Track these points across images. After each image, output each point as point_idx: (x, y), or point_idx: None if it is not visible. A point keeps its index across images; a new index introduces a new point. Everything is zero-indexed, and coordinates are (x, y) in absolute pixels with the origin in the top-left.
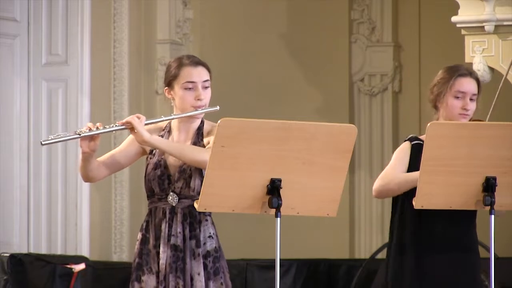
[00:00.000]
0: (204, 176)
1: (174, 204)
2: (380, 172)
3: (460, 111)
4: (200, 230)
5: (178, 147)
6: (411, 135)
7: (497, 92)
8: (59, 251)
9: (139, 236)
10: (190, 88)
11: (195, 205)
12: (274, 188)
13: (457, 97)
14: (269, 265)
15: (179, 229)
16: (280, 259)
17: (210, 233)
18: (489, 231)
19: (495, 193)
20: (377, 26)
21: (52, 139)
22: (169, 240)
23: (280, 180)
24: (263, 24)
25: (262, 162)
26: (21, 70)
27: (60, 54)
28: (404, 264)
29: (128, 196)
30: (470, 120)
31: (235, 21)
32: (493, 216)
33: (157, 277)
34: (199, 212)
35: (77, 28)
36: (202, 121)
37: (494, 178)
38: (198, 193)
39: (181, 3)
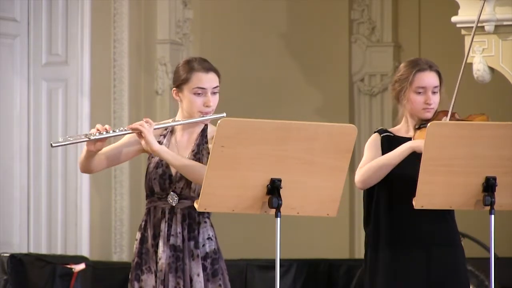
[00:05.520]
0: (204, 176)
1: (174, 204)
2: None
3: (423, 106)
4: (199, 232)
5: (188, 164)
6: (380, 128)
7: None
8: (59, 251)
9: (138, 235)
10: (199, 94)
11: (195, 205)
12: (274, 188)
13: (419, 93)
14: (269, 265)
15: (179, 229)
16: (280, 259)
17: (209, 235)
18: (489, 231)
19: (495, 193)
20: (377, 26)
21: (62, 141)
22: (168, 239)
23: (280, 180)
24: (263, 24)
25: (262, 162)
26: (21, 70)
27: (60, 54)
28: (379, 261)
29: (128, 196)
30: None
31: (235, 21)
32: (493, 216)
33: (156, 276)
34: (198, 214)
35: (77, 28)
36: (206, 124)
37: (494, 178)
38: (199, 195)
39: (181, 3)
